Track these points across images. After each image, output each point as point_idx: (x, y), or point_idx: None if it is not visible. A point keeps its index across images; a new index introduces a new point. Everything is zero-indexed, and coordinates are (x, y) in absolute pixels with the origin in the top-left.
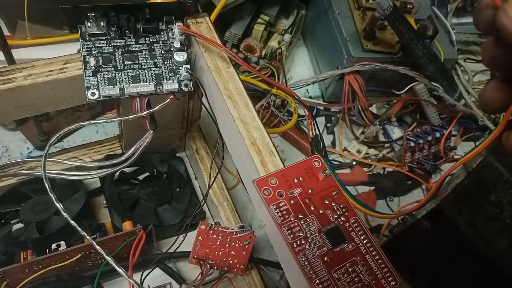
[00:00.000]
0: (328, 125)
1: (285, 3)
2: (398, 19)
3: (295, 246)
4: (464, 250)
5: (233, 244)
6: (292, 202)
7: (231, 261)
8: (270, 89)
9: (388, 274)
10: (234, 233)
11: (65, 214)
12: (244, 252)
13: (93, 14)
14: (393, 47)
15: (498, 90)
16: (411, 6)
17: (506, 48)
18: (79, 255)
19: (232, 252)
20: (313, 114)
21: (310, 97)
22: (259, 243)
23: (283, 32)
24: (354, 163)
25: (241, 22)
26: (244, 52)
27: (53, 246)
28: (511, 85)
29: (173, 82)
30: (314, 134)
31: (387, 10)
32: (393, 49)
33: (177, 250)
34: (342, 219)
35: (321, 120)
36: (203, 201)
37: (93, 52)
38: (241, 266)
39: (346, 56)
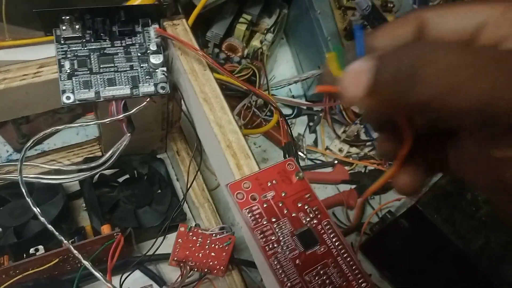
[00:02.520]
0: (311, 124)
1: (267, 2)
2: (377, 19)
3: (267, 249)
4: (442, 248)
5: (213, 245)
6: (265, 205)
7: (211, 263)
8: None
9: (359, 276)
10: (213, 234)
11: (42, 219)
12: (224, 254)
13: (68, 17)
14: None
15: (387, 142)
16: (392, 5)
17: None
18: (57, 260)
19: (212, 254)
20: (296, 113)
21: (293, 96)
22: (241, 243)
23: (265, 31)
24: (336, 161)
25: (223, 21)
26: (226, 52)
27: (31, 250)
28: (397, 137)
29: (149, 84)
30: (287, 140)
31: (366, 10)
32: None
33: (157, 252)
34: (315, 221)
35: (303, 119)
36: (182, 202)
37: (68, 56)
38: (222, 267)
39: (326, 56)
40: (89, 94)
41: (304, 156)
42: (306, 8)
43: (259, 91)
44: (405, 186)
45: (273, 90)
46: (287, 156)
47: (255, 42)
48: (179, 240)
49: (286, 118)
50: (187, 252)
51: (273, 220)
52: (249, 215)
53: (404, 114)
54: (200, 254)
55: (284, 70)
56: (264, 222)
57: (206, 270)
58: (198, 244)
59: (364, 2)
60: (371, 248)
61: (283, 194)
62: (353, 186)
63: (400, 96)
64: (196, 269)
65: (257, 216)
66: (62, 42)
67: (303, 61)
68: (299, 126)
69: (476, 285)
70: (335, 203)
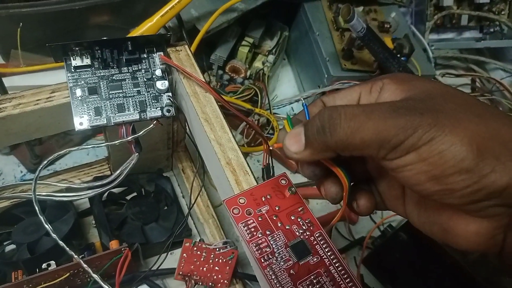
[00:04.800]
0: None
1: (269, 26)
2: (372, 40)
3: (262, 261)
4: (440, 260)
5: (216, 259)
6: (260, 219)
7: (215, 276)
8: (253, 108)
9: (350, 284)
10: (217, 249)
11: (54, 235)
12: (228, 267)
13: (77, 48)
14: (370, 65)
15: (331, 186)
16: (388, 26)
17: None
18: (68, 274)
19: (216, 268)
20: None
21: (295, 114)
22: (245, 258)
23: (267, 53)
24: None
25: (226, 44)
26: (229, 73)
27: (43, 265)
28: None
29: (156, 109)
30: (267, 163)
31: (361, 32)
32: (370, 68)
33: (164, 267)
34: (307, 233)
35: None
36: (186, 219)
37: (79, 83)
38: (225, 281)
39: (326, 75)
40: (101, 120)
41: None
42: (306, 31)
43: (251, 122)
44: (364, 207)
45: (276, 108)
46: (265, 177)
47: (257, 64)
48: (184, 254)
49: None
50: (192, 266)
51: (268, 233)
52: (244, 229)
53: (332, 155)
54: (205, 268)
55: (286, 89)
56: (259, 235)
57: (210, 283)
58: (202, 259)
59: (359, 25)
60: (373, 262)
61: (277, 208)
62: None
63: (323, 141)
64: (200, 283)
65: (252, 229)
66: (73, 70)
67: (304, 80)
68: None
69: None
70: None
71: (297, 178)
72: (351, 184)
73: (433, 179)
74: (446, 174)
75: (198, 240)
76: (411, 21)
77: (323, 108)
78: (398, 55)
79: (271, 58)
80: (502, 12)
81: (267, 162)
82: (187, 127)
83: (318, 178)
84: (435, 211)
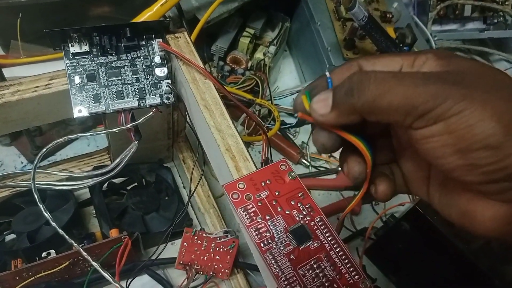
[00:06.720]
0: None
1: (270, 17)
2: (374, 29)
3: (262, 245)
4: (443, 249)
5: (217, 249)
6: (259, 204)
7: (216, 266)
8: (254, 99)
9: (351, 269)
10: (218, 238)
11: (53, 224)
12: (229, 257)
13: (76, 35)
14: (372, 55)
15: (355, 164)
16: (390, 16)
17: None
18: (67, 262)
19: (217, 257)
20: (300, 121)
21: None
22: (247, 249)
23: (268, 44)
24: (339, 168)
25: (227, 35)
26: (230, 64)
27: (43, 254)
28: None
29: (155, 96)
30: (266, 157)
31: (362, 20)
32: None
33: (165, 257)
34: (308, 218)
35: (307, 128)
36: (186, 207)
37: (78, 70)
38: (226, 270)
39: (327, 66)
40: (100, 107)
41: (308, 164)
42: (307, 21)
43: (251, 113)
44: (382, 194)
45: (277, 99)
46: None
47: (259, 55)
48: (185, 243)
49: (290, 127)
50: (193, 256)
51: (267, 217)
52: (244, 214)
53: (357, 119)
54: (205, 258)
55: (288, 80)
56: (259, 220)
57: (211, 273)
58: (203, 248)
59: (361, 13)
60: (376, 253)
61: (276, 193)
62: (357, 192)
63: (350, 103)
64: (201, 272)
65: (252, 214)
66: (71, 57)
67: (305, 71)
68: (303, 134)
69: (476, 285)
70: (339, 209)
71: (299, 170)
72: (374, 163)
73: (458, 153)
74: (472, 148)
75: (198, 229)
76: (413, 12)
77: (353, 72)
78: (401, 45)
79: (272, 49)
80: (506, 2)
81: (266, 155)
82: (187, 116)
83: (330, 150)
84: (456, 193)
